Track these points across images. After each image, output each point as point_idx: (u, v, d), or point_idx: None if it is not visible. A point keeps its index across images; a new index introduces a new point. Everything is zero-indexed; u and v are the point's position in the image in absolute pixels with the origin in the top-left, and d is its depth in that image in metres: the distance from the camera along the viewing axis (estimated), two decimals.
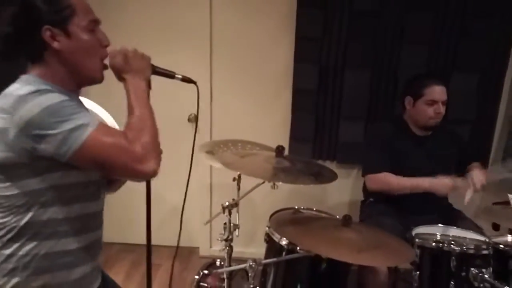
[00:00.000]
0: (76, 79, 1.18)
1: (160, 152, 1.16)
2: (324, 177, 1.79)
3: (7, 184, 1.08)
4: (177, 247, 1.82)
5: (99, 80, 1.23)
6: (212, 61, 2.82)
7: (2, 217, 1.10)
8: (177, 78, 1.36)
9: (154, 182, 3.34)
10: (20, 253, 1.11)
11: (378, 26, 2.63)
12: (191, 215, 3.09)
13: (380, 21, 2.62)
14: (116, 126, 1.85)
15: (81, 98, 1.29)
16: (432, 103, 2.19)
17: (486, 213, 1.83)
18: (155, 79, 1.30)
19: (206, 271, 2.28)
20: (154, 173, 1.12)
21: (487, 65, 2.64)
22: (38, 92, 1.04)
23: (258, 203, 2.96)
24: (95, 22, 1.20)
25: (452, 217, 2.25)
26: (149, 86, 1.26)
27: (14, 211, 1.10)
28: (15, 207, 1.09)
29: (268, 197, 2.80)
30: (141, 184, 3.25)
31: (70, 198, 1.15)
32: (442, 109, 2.20)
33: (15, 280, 1.12)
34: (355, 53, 2.67)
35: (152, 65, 1.29)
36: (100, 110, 1.90)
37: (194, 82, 1.38)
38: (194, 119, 2.92)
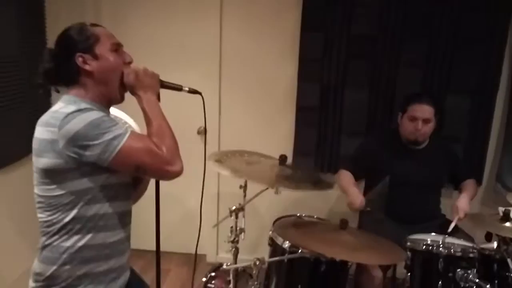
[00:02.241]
0: (107, 95, 1.38)
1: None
2: (323, 184, 1.95)
3: (54, 186, 1.28)
4: (196, 254, 1.94)
5: (119, 99, 1.43)
6: (221, 80, 3.01)
7: (51, 214, 1.30)
8: (184, 90, 1.49)
9: (163, 190, 3.52)
10: (67, 244, 1.30)
11: (375, 49, 2.80)
12: (198, 223, 3.23)
13: (378, 44, 2.80)
14: (138, 129, 2.05)
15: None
16: (412, 119, 2.36)
17: (473, 220, 1.97)
18: (167, 96, 1.45)
19: (213, 274, 2.42)
20: (180, 172, 1.33)
21: (479, 86, 2.79)
22: (80, 110, 1.24)
23: (263, 213, 3.11)
24: (117, 44, 1.40)
25: (446, 227, 2.38)
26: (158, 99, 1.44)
27: (61, 209, 1.29)
28: (62, 205, 1.29)
29: (272, 207, 2.95)
30: (150, 192, 3.43)
31: (112, 196, 1.34)
32: (421, 126, 2.34)
33: (64, 269, 1.31)
34: (354, 73, 2.85)
35: (161, 80, 1.45)
36: (124, 115, 2.09)
37: (200, 93, 1.52)
38: (204, 132, 3.11)
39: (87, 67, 1.32)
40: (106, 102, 1.39)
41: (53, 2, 2.80)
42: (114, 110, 1.49)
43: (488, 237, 2.35)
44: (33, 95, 2.66)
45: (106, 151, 1.22)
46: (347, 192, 2.36)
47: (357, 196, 2.27)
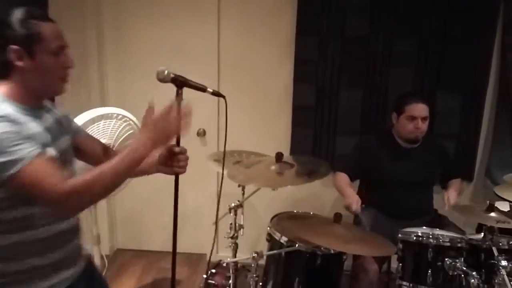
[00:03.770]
0: (36, 94, 1.32)
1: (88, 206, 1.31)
2: (318, 173, 2.03)
3: None
4: (211, 253, 2.04)
5: (57, 94, 1.38)
6: (219, 81, 3.10)
7: None
8: (208, 92, 1.48)
9: (163, 191, 3.60)
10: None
11: (368, 50, 2.90)
12: (198, 222, 3.32)
13: (370, 46, 2.89)
14: (134, 119, 2.12)
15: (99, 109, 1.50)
16: (411, 118, 2.44)
17: (456, 210, 2.05)
18: (167, 96, 1.43)
19: (213, 270, 2.51)
20: (67, 216, 1.33)
21: (469, 85, 2.88)
22: None
23: (261, 211, 3.19)
24: (61, 47, 1.30)
25: (437, 221, 2.46)
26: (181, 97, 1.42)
27: None
28: None
29: (270, 205, 3.02)
30: (151, 193, 3.51)
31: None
32: (420, 125, 2.43)
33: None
34: (348, 74, 2.94)
35: (185, 79, 1.42)
36: (118, 110, 2.19)
37: (223, 96, 1.52)
38: (203, 133, 3.20)
39: (19, 63, 1.23)
40: (35, 102, 1.32)
41: (55, 3, 2.85)
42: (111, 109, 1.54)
43: (479, 230, 2.44)
44: None
45: None
46: (344, 194, 2.44)
47: (354, 199, 2.35)
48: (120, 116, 2.31)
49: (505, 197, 2.12)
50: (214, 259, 3.24)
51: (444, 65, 2.87)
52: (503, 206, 2.18)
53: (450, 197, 2.44)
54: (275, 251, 2.04)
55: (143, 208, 3.41)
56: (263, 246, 2.30)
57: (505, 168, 2.87)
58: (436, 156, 2.62)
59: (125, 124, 2.36)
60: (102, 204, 2.96)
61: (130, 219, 3.46)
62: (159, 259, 3.37)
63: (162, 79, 1.43)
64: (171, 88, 1.43)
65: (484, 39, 2.82)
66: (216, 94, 1.49)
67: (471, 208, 2.18)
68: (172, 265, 1.58)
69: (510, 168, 2.86)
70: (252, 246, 2.98)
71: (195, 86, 1.45)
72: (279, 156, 2.03)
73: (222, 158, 1.69)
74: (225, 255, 3.16)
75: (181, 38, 3.10)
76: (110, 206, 3.37)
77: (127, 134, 2.36)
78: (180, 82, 1.42)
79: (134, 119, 2.36)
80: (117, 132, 2.27)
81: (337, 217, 1.94)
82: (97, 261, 2.52)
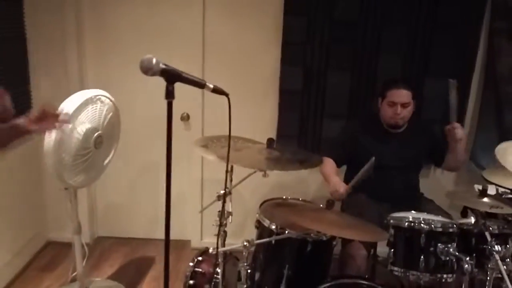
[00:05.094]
0: None
1: None
2: (310, 163, 1.99)
3: None
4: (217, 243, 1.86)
5: None
6: (204, 64, 3.00)
7: None
8: (208, 88, 1.29)
9: (144, 178, 3.53)
10: None
11: (357, 33, 2.85)
12: (182, 209, 3.25)
13: (358, 31, 2.85)
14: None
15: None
16: (392, 104, 2.43)
17: (449, 197, 2.05)
18: (148, 81, 1.31)
19: (200, 258, 2.44)
20: None
21: (456, 70, 2.87)
22: None
23: (247, 197, 3.14)
24: None
25: (424, 205, 2.46)
26: None
27: None
28: None
29: (256, 191, 2.99)
30: (133, 179, 3.43)
31: None
32: (400, 110, 2.41)
33: None
34: (336, 57, 2.89)
35: (182, 73, 1.24)
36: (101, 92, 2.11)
37: (226, 94, 1.33)
38: (187, 118, 3.10)
39: None
40: None
41: None
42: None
43: (464, 214, 2.47)
44: None
45: None
46: (329, 180, 2.40)
47: (339, 185, 2.32)
48: (103, 98, 2.21)
49: (493, 181, 2.13)
50: (198, 245, 3.22)
51: (433, 51, 2.86)
52: (490, 190, 2.19)
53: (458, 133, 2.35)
54: (266, 239, 1.99)
55: (124, 194, 3.32)
56: (249, 232, 2.25)
57: (489, 152, 2.89)
58: (423, 138, 2.61)
59: (107, 107, 2.26)
60: (82, 191, 2.85)
61: (111, 206, 3.37)
62: (141, 246, 3.30)
63: (149, 70, 1.16)
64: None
65: (472, 25, 2.81)
66: (218, 91, 1.31)
67: (461, 194, 2.17)
68: (165, 253, 1.46)
69: (494, 152, 2.89)
70: (239, 232, 2.96)
71: (191, 80, 1.24)
72: (270, 143, 1.97)
73: (226, 157, 1.55)
74: (210, 241, 3.12)
75: (164, 20, 2.98)
76: (91, 193, 3.26)
77: (108, 118, 2.27)
78: (171, 76, 1.20)
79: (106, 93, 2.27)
80: (103, 116, 2.18)
81: (329, 204, 1.91)
82: (78, 250, 2.44)
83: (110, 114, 2.30)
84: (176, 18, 2.97)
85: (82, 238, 2.49)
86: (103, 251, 3.23)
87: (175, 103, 1.27)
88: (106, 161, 2.44)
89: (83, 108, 2.06)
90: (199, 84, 1.25)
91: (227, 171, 2.37)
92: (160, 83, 1.30)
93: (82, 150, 2.10)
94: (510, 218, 2.02)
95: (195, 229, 3.30)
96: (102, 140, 2.25)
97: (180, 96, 1.32)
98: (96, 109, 2.18)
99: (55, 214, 3.18)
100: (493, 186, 2.30)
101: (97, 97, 2.18)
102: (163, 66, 1.17)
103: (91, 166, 2.26)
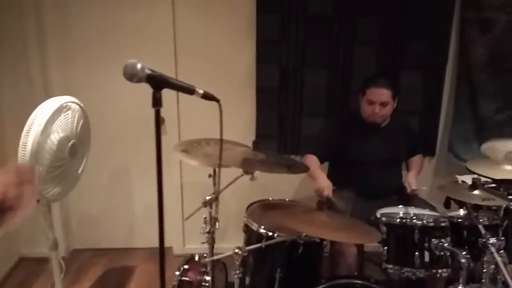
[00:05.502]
0: None
1: None
2: (297, 168, 1.94)
3: None
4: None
5: None
6: (177, 65, 2.89)
7: None
8: (197, 94, 1.23)
9: (119, 185, 3.38)
10: None
11: (332, 28, 2.82)
12: (159, 216, 3.14)
13: (333, 24, 2.82)
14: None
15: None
16: (370, 102, 2.41)
17: (440, 190, 2.06)
18: (123, 83, 1.19)
19: (186, 266, 2.36)
20: None
21: (430, 62, 2.91)
22: None
23: (228, 199, 3.06)
24: None
25: (408, 198, 2.47)
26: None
27: None
28: None
29: (238, 193, 2.90)
30: (107, 189, 3.29)
31: None
32: (378, 109, 2.39)
33: None
34: (313, 53, 2.85)
35: (168, 78, 1.17)
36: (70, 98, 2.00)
37: (217, 100, 1.28)
38: (162, 121, 2.99)
39: None
40: None
41: None
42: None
43: (447, 205, 2.49)
44: None
45: None
46: (314, 178, 2.37)
47: (325, 183, 2.28)
48: (72, 105, 2.08)
49: (477, 172, 2.14)
50: (181, 252, 3.13)
51: (407, 43, 2.87)
52: (468, 180, 2.21)
53: (410, 183, 2.48)
54: (258, 245, 1.93)
55: (98, 204, 3.18)
56: (234, 235, 2.18)
57: (467, 143, 2.95)
58: (403, 134, 2.63)
59: (78, 113, 2.13)
60: (55, 204, 2.70)
61: (85, 217, 3.22)
62: (120, 256, 3.18)
63: (133, 76, 1.09)
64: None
65: (444, 15, 2.84)
66: (208, 97, 1.25)
67: (455, 187, 2.18)
68: (160, 263, 1.39)
69: (471, 142, 2.95)
70: (222, 236, 2.88)
71: (180, 86, 1.18)
72: (257, 144, 1.91)
73: (218, 165, 1.48)
74: (193, 247, 3.04)
75: (131, 20, 2.85)
76: (64, 204, 3.10)
77: (80, 125, 2.14)
78: (158, 82, 1.13)
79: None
80: (75, 124, 2.06)
81: (320, 205, 1.86)
82: (55, 266, 2.30)
83: (82, 120, 2.18)
84: (144, 17, 2.85)
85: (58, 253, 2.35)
86: (81, 265, 3.08)
87: (149, 106, 1.18)
88: (80, 170, 2.32)
89: (55, 117, 1.92)
90: (188, 90, 1.20)
91: (214, 176, 2.30)
92: (130, 86, 1.21)
93: (57, 162, 1.97)
94: (494, 208, 2.04)
95: (177, 235, 3.20)
96: (76, 148, 2.13)
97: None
98: (68, 117, 2.05)
99: (27, 228, 3.00)
100: (470, 176, 2.32)
101: (67, 104, 2.06)
102: (149, 72, 1.11)
103: (66, 176, 2.13)
